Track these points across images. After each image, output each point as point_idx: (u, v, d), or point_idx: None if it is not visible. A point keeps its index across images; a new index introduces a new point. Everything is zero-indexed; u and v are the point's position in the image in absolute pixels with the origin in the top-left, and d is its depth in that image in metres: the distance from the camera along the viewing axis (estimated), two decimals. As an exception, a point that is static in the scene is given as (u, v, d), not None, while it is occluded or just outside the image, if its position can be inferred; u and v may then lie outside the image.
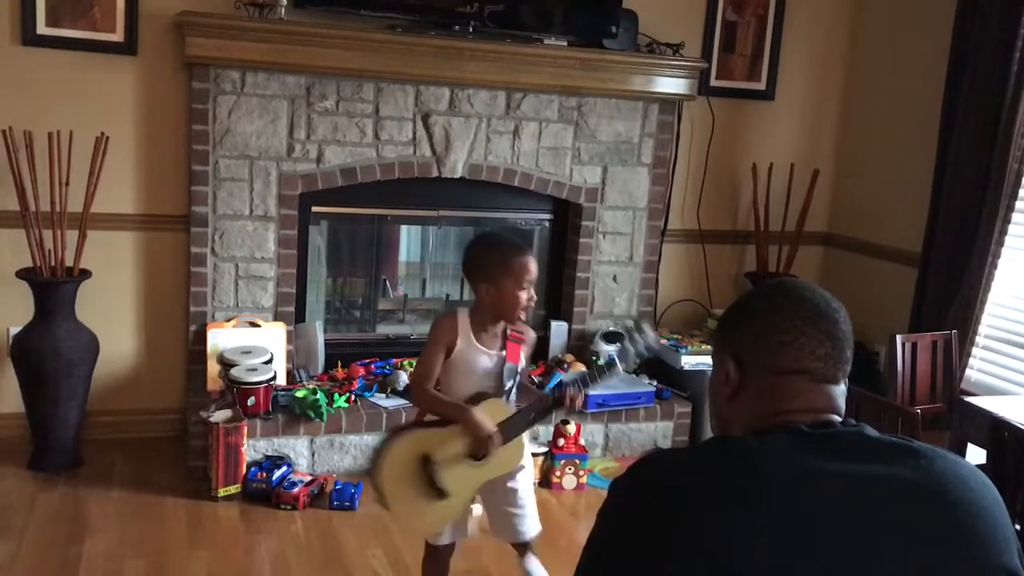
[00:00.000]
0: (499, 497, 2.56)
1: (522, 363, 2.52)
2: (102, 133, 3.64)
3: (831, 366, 1.25)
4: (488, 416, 2.39)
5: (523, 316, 2.47)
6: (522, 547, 2.64)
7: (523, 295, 2.41)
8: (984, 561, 1.14)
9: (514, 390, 2.51)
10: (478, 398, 2.43)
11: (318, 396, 3.68)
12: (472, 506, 2.59)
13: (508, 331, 2.49)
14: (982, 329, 3.91)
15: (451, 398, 2.45)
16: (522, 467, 2.57)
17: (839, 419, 1.25)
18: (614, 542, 1.18)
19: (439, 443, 2.41)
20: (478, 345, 2.46)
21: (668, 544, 1.10)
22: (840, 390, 1.27)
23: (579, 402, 2.48)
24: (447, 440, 2.41)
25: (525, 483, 2.59)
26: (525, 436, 2.53)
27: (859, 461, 1.16)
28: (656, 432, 4.16)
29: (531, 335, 2.55)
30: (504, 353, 2.47)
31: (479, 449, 2.40)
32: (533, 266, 2.45)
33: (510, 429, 2.41)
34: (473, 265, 2.48)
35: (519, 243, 2.55)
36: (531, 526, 2.61)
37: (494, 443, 2.38)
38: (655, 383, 4.27)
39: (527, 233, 4.51)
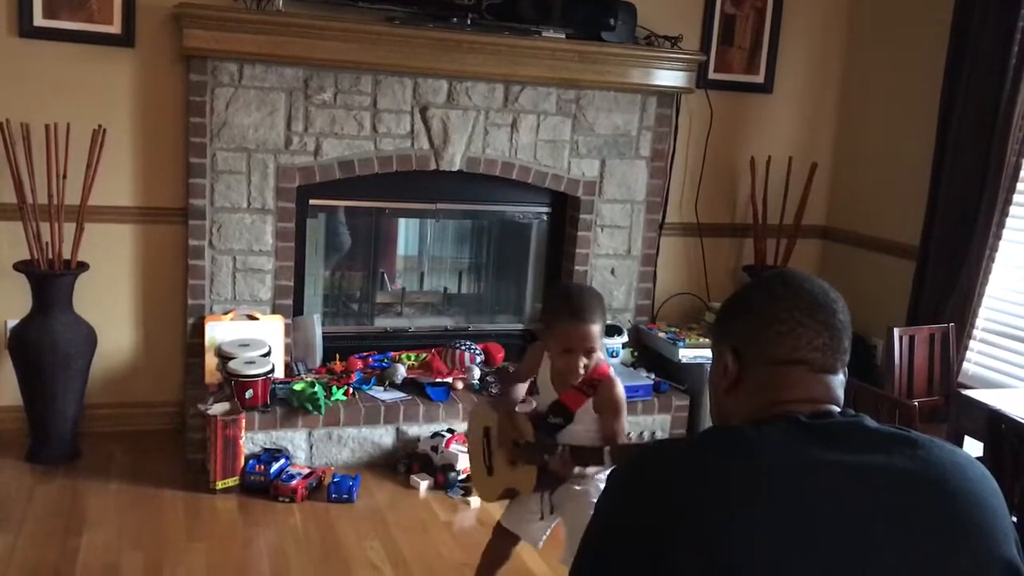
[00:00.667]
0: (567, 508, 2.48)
1: (585, 414, 2.40)
2: (99, 125, 3.64)
3: (829, 356, 1.25)
4: (511, 424, 2.46)
5: (571, 379, 2.38)
6: None
7: (566, 359, 2.35)
8: (983, 551, 1.14)
9: (566, 432, 2.41)
10: (525, 416, 2.48)
11: (316, 389, 3.68)
12: (549, 522, 2.56)
13: (581, 381, 2.38)
14: (979, 322, 3.92)
15: (515, 394, 2.57)
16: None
17: (838, 409, 1.25)
18: (614, 534, 1.18)
19: (498, 427, 2.52)
20: (547, 377, 2.47)
21: (667, 537, 1.10)
22: (839, 380, 1.27)
23: (563, 471, 2.34)
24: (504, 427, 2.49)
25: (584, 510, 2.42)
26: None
27: (858, 451, 1.16)
28: (654, 425, 4.16)
29: (606, 392, 2.37)
30: (556, 392, 2.44)
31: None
32: (582, 333, 2.32)
33: (521, 452, 2.42)
34: (543, 310, 2.50)
35: (578, 306, 2.35)
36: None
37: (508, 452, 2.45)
38: (653, 376, 4.28)
39: (524, 226, 4.51)
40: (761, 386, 1.26)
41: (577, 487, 2.43)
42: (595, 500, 2.31)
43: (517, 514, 2.58)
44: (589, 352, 2.33)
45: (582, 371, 2.34)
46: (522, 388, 2.63)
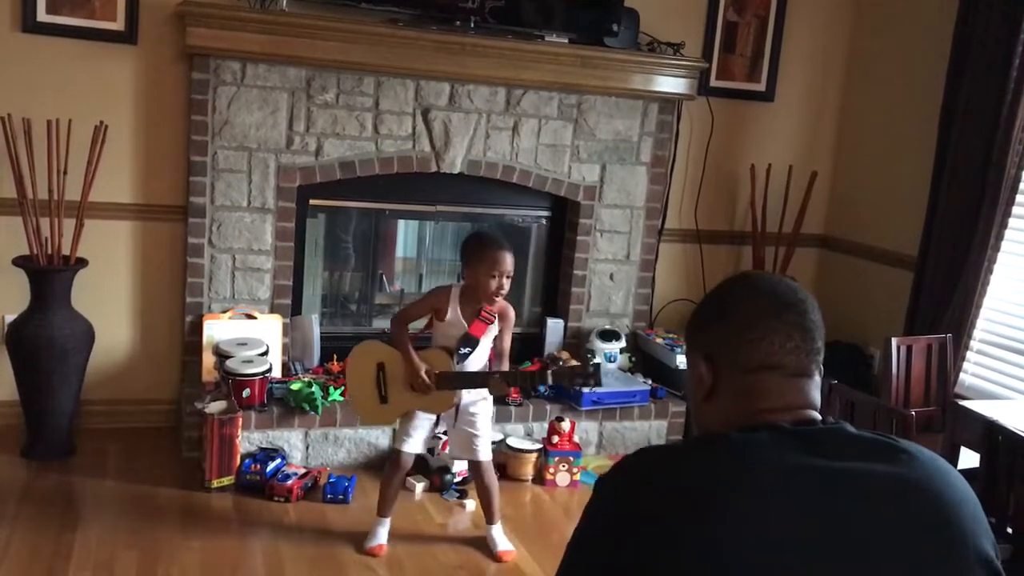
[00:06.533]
0: (461, 419, 3.16)
1: (485, 338, 3.08)
2: (101, 122, 3.64)
3: (802, 358, 1.24)
4: (429, 362, 3.05)
5: (494, 299, 3.04)
6: (489, 516, 3.24)
7: (496, 283, 3.01)
8: (967, 551, 1.15)
9: (471, 356, 3.08)
10: (437, 349, 3.09)
11: (313, 389, 3.68)
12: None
13: (481, 310, 3.06)
14: (977, 333, 3.92)
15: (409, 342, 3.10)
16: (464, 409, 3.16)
17: (819, 417, 1.25)
18: (601, 540, 1.18)
19: (395, 361, 3.10)
20: (460, 315, 3.07)
21: (655, 542, 1.11)
22: (814, 383, 1.27)
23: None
24: (401, 363, 3.08)
25: (484, 413, 3.19)
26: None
27: (843, 457, 1.17)
28: (650, 431, 4.17)
29: (509, 314, 3.13)
30: (467, 325, 3.06)
31: (412, 383, 3.06)
32: (505, 260, 3.02)
33: (447, 381, 3.04)
34: (463, 253, 3.11)
35: (500, 240, 3.15)
36: (484, 450, 3.20)
37: (421, 384, 3.02)
38: (650, 382, 4.28)
39: (524, 230, 4.51)
40: (737, 394, 1.26)
41: (471, 409, 3.16)
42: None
43: (417, 438, 3.17)
44: (510, 275, 3.04)
45: (504, 291, 3.03)
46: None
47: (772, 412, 1.22)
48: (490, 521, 3.24)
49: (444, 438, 3.72)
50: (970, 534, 1.16)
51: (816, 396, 1.26)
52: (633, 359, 4.46)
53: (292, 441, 3.69)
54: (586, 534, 1.21)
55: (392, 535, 3.24)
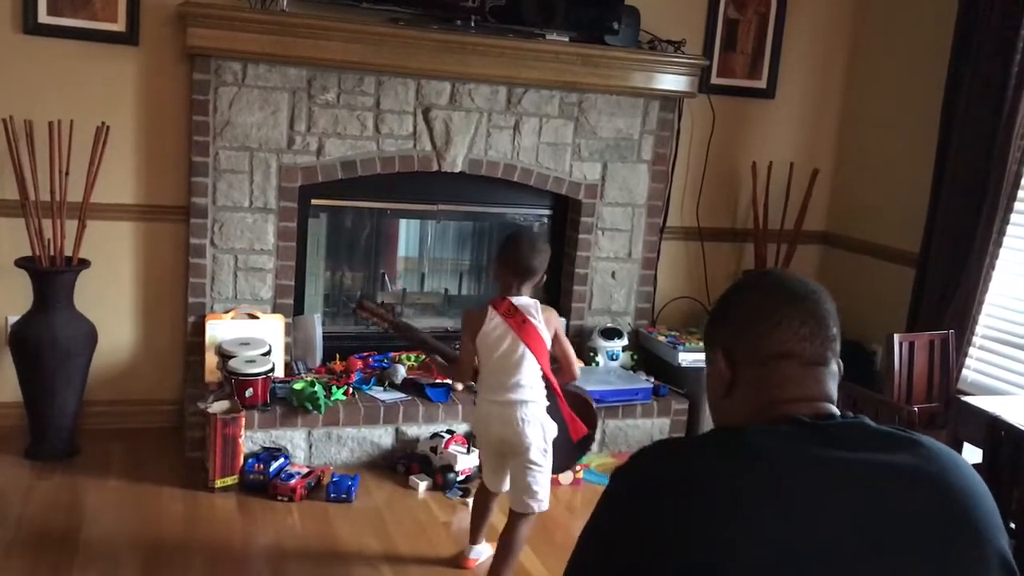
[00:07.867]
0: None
1: None
2: (103, 123, 3.64)
3: (817, 345, 1.26)
4: None
5: None
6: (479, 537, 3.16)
7: None
8: (983, 545, 1.15)
9: None
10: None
11: (316, 388, 3.69)
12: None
13: None
14: (979, 329, 3.92)
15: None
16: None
17: (838, 412, 1.25)
18: (613, 531, 1.18)
19: None
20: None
21: (667, 536, 1.11)
22: (831, 371, 1.27)
23: None
24: None
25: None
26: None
27: (861, 450, 1.17)
28: (653, 428, 4.17)
29: None
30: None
31: None
32: None
33: None
34: (542, 255, 3.01)
35: None
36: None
37: None
38: (652, 380, 4.28)
39: (526, 229, 4.51)
40: (756, 386, 1.27)
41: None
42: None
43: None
44: None
45: None
46: None
47: (790, 403, 1.23)
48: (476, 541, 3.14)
49: (447, 437, 3.73)
50: (988, 529, 1.16)
51: (833, 387, 1.27)
52: (635, 357, 4.46)
53: (295, 440, 3.69)
54: (599, 525, 1.22)
55: (395, 533, 3.24)
